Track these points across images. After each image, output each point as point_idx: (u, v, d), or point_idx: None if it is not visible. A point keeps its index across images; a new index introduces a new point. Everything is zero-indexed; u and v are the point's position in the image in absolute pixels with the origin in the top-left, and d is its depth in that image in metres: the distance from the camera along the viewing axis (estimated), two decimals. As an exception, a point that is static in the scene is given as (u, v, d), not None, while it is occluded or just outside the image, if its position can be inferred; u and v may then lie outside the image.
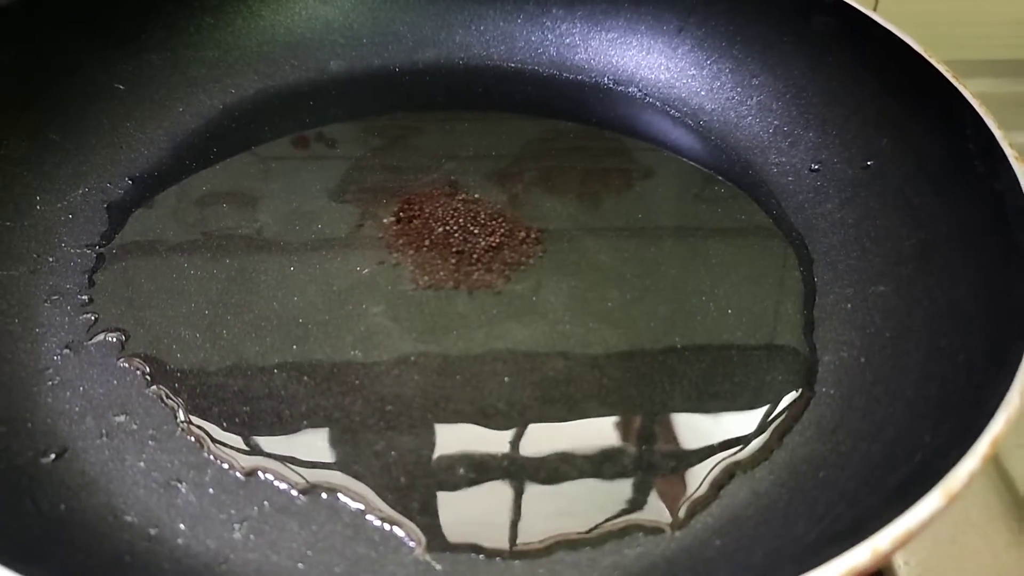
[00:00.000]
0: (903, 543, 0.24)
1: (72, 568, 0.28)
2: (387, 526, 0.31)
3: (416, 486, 0.33)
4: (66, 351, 0.36)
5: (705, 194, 0.46)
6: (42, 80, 0.44)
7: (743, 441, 0.35)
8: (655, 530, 0.32)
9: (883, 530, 0.24)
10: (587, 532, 0.32)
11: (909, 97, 0.42)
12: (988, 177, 0.37)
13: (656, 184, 0.47)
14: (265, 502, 0.32)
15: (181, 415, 0.35)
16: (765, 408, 0.36)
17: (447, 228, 0.42)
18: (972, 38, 0.58)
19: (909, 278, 0.38)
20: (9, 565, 0.24)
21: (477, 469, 0.34)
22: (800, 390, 0.37)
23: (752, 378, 0.37)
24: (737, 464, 0.34)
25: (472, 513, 0.32)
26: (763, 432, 0.35)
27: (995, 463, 0.40)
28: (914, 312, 0.37)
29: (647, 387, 0.36)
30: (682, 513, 0.32)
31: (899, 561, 0.36)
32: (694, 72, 0.50)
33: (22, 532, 0.29)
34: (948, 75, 0.40)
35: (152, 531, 0.31)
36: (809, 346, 0.38)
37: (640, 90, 0.51)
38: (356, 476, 0.33)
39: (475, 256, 0.41)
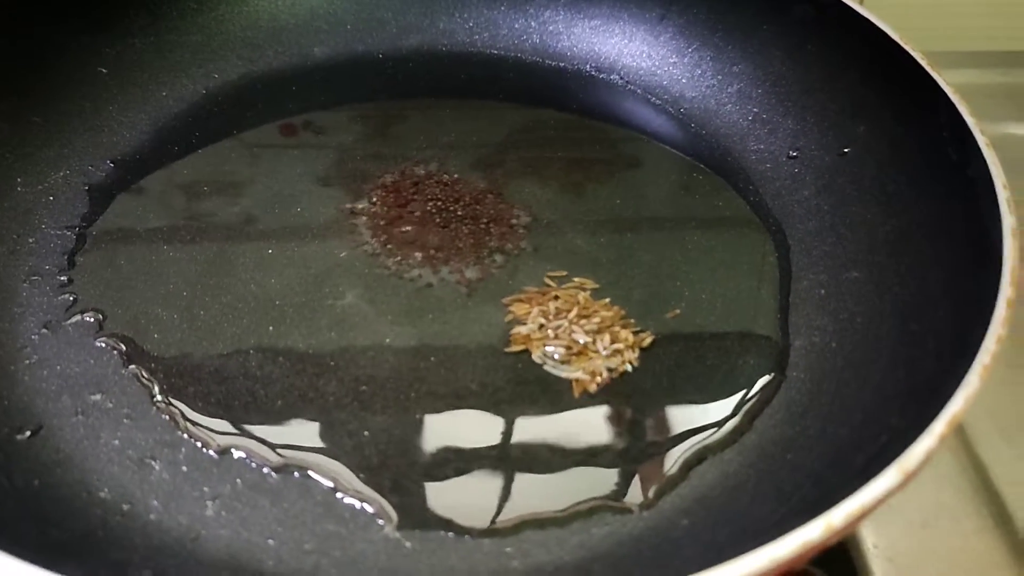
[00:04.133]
0: (858, 519, 0.25)
1: (44, 542, 0.28)
2: (358, 504, 0.32)
3: (388, 465, 0.33)
4: (44, 331, 0.37)
5: (685, 181, 0.46)
6: (24, 63, 0.44)
7: (714, 425, 0.35)
8: (623, 511, 0.32)
9: (838, 506, 0.25)
10: (555, 512, 0.32)
11: (886, 85, 0.42)
12: (961, 165, 0.37)
13: (636, 171, 0.47)
14: (238, 480, 0.32)
15: (157, 394, 0.35)
16: (737, 392, 0.36)
17: (427, 212, 0.43)
18: (950, 30, 0.58)
19: (881, 265, 0.38)
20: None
21: (449, 450, 0.34)
22: (772, 374, 0.37)
23: (724, 362, 0.37)
24: (708, 448, 0.34)
25: (443, 492, 0.33)
26: (734, 416, 0.35)
27: (967, 449, 0.40)
28: (885, 298, 0.37)
29: (619, 371, 0.37)
30: (651, 495, 0.33)
31: (868, 544, 0.36)
32: (675, 60, 0.51)
33: (-5, 507, 0.29)
34: (924, 63, 0.40)
35: (125, 507, 0.31)
36: (782, 331, 0.39)
37: (622, 77, 0.52)
38: (329, 455, 0.33)
39: (456, 241, 0.41)
